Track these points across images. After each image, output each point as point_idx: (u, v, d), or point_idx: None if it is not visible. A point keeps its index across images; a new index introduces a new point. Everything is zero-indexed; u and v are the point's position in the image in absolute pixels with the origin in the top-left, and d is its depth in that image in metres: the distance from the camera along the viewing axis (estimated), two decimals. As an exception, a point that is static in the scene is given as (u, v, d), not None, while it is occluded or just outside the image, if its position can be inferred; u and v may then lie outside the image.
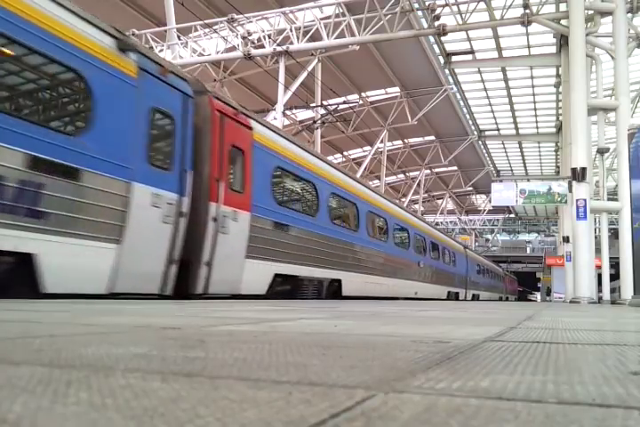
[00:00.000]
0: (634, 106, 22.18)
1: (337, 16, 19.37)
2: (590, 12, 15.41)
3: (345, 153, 37.43)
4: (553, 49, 20.51)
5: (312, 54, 21.67)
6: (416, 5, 18.53)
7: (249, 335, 1.89)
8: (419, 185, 40.58)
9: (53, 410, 0.72)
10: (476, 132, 31.21)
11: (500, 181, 27.99)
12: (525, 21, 16.78)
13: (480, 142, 32.76)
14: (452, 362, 1.31)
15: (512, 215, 48.53)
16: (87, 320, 2.52)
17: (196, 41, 21.33)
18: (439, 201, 50.81)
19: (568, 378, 1.09)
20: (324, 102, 22.69)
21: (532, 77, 24.80)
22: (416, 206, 42.91)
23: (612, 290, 20.38)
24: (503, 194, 21.46)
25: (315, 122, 21.22)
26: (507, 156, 36.50)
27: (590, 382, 1.05)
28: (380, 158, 32.12)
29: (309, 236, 9.28)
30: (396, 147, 35.97)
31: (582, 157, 13.81)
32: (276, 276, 8.24)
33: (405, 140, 35.68)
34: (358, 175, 26.33)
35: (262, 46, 19.85)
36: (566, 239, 20.80)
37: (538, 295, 57.90)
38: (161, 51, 20.20)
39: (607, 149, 17.11)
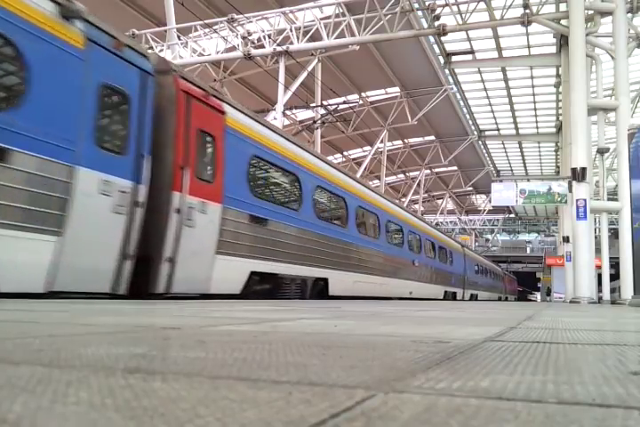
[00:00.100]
0: (634, 106, 22.20)
1: (337, 16, 19.38)
2: (590, 12, 15.41)
3: (345, 153, 37.45)
4: (553, 49, 20.52)
5: (312, 54, 21.68)
6: (416, 5, 18.54)
7: (249, 335, 1.89)
8: (419, 185, 40.60)
9: (53, 410, 0.72)
10: (475, 132, 31.23)
11: (500, 181, 28.01)
12: (525, 21, 16.78)
13: (480, 142, 32.78)
14: (451, 362, 1.31)
15: (512, 215, 48.58)
16: (86, 320, 2.52)
17: (195, 41, 21.33)
18: (439, 201, 50.83)
19: (568, 378, 1.09)
20: (324, 102, 22.71)
21: (532, 77, 24.81)
22: (416, 206, 42.94)
23: (612, 290, 20.38)
24: (503, 194, 21.46)
25: (315, 122, 21.23)
26: (507, 156, 36.52)
27: (590, 382, 1.05)
28: (380, 158, 32.13)
29: (291, 231, 8.67)
30: (395, 147, 35.98)
31: (582, 157, 13.82)
32: (253, 274, 7.64)
33: (405, 141, 35.69)
34: (358, 175, 26.35)
35: (262, 46, 19.86)
36: (566, 239, 20.81)
37: (538, 295, 57.93)
38: (161, 51, 20.21)
39: (607, 149, 17.11)
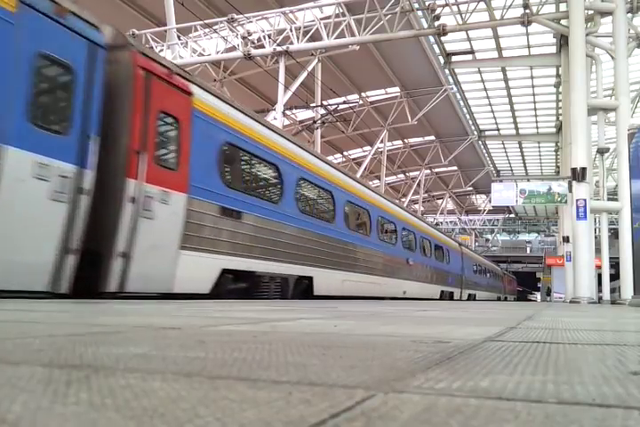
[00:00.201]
0: (634, 106, 22.19)
1: (337, 16, 19.38)
2: (590, 12, 15.41)
3: (345, 153, 37.45)
4: (553, 49, 20.52)
5: (312, 54, 21.68)
6: (416, 5, 18.53)
7: (248, 335, 1.89)
8: (419, 185, 40.60)
9: (53, 410, 0.72)
10: (475, 132, 31.22)
11: (500, 181, 27.98)
12: (525, 21, 16.77)
13: (480, 142, 32.77)
14: (451, 362, 1.31)
15: (512, 215, 48.56)
16: (86, 320, 2.52)
17: (196, 41, 21.33)
18: (439, 201, 50.83)
19: (568, 378, 1.09)
20: (324, 102, 22.72)
21: (531, 77, 24.81)
22: (416, 206, 42.95)
23: (612, 290, 20.37)
24: (503, 194, 21.45)
25: (315, 122, 21.24)
26: (507, 156, 36.52)
27: (590, 382, 1.05)
28: (380, 158, 32.13)
29: (270, 226, 8.02)
30: (395, 147, 35.98)
31: (582, 157, 13.82)
32: (225, 271, 6.99)
33: (405, 140, 35.69)
34: (358, 175, 26.35)
35: (262, 46, 19.86)
36: (566, 239, 20.81)
37: (538, 295, 57.94)
38: (161, 51, 20.21)
39: (607, 149, 17.12)
